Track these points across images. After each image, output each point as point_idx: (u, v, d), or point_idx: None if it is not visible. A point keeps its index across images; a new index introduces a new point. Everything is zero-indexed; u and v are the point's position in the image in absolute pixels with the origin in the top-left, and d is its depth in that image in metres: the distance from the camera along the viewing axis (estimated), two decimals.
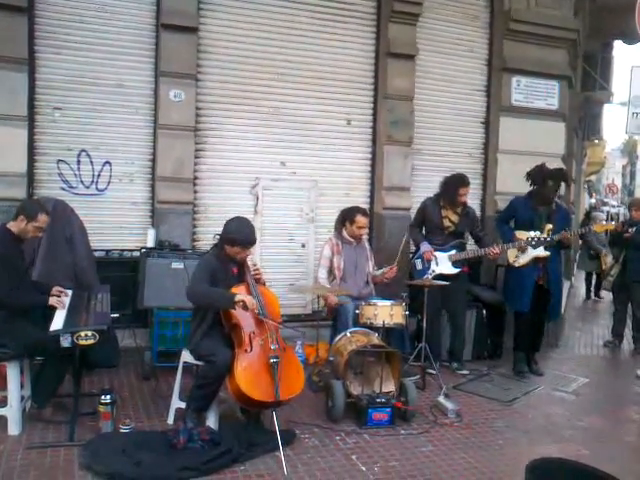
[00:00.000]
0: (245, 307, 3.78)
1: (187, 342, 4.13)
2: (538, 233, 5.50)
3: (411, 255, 6.09)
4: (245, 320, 3.89)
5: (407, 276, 5.96)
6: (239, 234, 3.98)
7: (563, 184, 5.87)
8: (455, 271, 5.66)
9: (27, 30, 5.24)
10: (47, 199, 4.97)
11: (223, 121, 6.05)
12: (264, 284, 4.31)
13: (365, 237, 5.81)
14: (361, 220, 5.46)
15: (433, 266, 5.66)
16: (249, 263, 4.18)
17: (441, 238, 5.73)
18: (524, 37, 7.14)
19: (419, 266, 5.74)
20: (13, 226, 4.01)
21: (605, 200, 31.44)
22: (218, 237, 4.09)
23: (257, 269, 4.23)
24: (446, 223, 5.72)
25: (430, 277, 5.53)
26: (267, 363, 3.73)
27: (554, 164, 6.01)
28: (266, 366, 3.74)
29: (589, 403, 5.12)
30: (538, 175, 5.64)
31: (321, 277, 5.51)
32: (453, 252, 5.68)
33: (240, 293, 3.84)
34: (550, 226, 5.55)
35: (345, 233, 5.53)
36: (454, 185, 5.67)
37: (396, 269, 5.48)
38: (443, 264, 5.67)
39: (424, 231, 5.90)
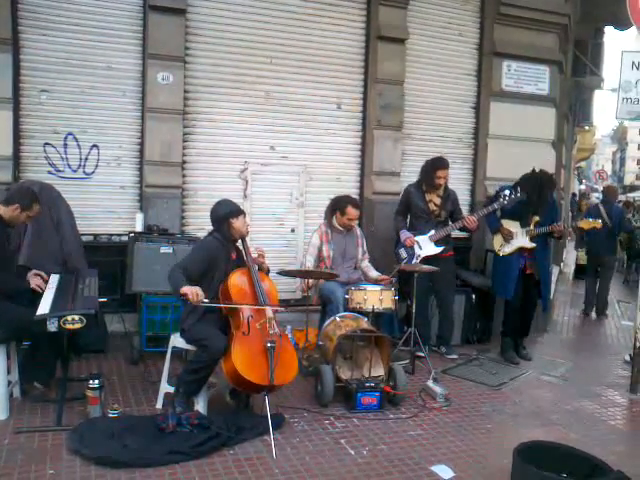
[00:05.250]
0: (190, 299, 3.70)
1: (179, 323, 4.10)
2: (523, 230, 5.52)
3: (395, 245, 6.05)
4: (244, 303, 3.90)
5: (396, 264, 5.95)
6: (233, 206, 4.12)
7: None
8: (439, 250, 5.64)
9: (10, 10, 5.12)
10: (33, 182, 4.90)
11: (212, 104, 5.98)
12: (268, 271, 4.31)
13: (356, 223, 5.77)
14: (352, 212, 5.42)
15: (417, 251, 5.65)
16: (251, 249, 4.18)
17: (428, 223, 5.71)
18: (515, 21, 7.11)
19: (404, 254, 5.69)
20: (3, 211, 3.97)
21: (595, 187, 31.54)
22: (212, 227, 4.11)
23: (262, 255, 4.23)
24: (431, 207, 5.71)
25: (418, 262, 5.54)
26: (264, 347, 3.71)
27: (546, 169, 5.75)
28: (263, 350, 3.72)
29: (576, 387, 5.16)
30: (533, 186, 5.46)
31: (308, 265, 5.41)
32: (432, 232, 5.67)
33: (187, 285, 3.71)
34: (537, 218, 5.57)
35: (335, 222, 5.49)
36: (432, 167, 5.66)
37: (389, 280, 5.30)
38: (426, 246, 5.66)
39: (410, 218, 5.87)
